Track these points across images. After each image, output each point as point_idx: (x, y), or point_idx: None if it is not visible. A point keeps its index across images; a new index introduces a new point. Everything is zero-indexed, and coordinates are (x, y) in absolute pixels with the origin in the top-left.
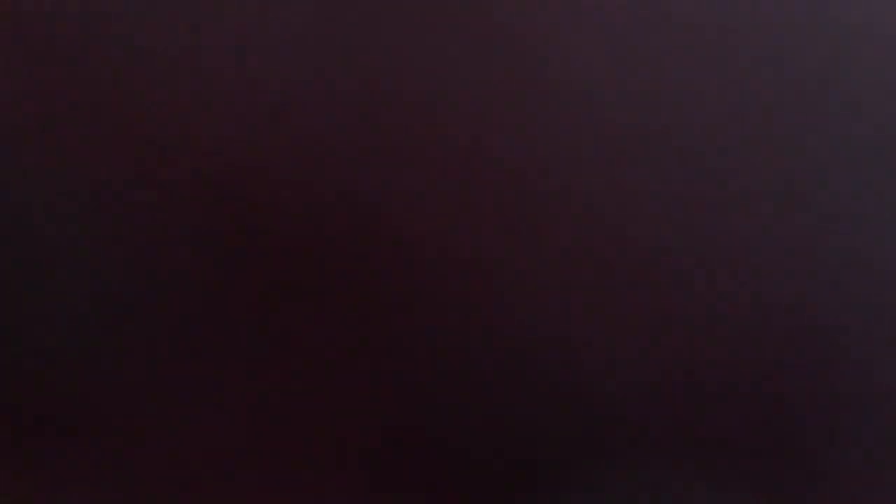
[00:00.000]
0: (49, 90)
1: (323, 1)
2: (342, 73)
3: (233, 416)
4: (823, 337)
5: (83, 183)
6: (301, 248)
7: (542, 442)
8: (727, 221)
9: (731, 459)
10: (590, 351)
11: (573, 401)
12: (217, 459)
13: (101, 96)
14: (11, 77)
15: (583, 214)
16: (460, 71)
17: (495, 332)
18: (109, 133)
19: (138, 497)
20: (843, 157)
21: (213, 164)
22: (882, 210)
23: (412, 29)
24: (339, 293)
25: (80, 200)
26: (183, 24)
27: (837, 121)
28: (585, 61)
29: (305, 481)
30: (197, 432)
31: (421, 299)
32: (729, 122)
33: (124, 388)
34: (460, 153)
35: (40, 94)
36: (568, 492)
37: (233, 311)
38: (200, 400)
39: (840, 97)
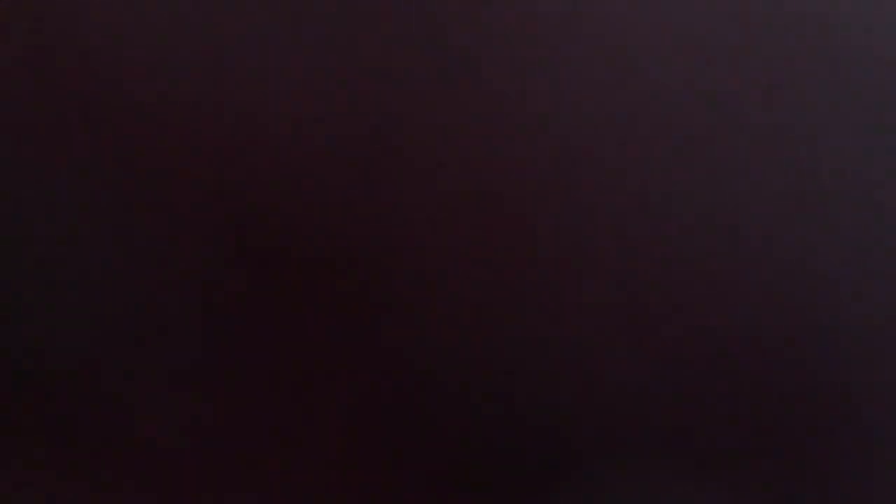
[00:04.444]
0: (52, 90)
1: (327, 4)
2: (347, 76)
3: (235, 418)
4: (826, 338)
5: (87, 185)
6: (305, 250)
7: (546, 442)
8: (728, 223)
9: (734, 461)
10: (592, 352)
11: (575, 402)
12: (218, 461)
13: (106, 98)
14: (13, 76)
15: (585, 216)
16: (463, 72)
17: (498, 333)
18: (113, 135)
19: (139, 497)
20: (845, 158)
21: (216, 167)
22: (883, 210)
23: (417, 32)
24: (345, 295)
25: (84, 202)
26: (191, 25)
27: (839, 121)
28: (586, 63)
29: (310, 481)
30: (199, 433)
31: (424, 301)
32: (732, 122)
33: (125, 389)
34: (462, 156)
35: (42, 95)
36: (571, 492)
37: (235, 312)
38: (203, 401)
39: (842, 97)
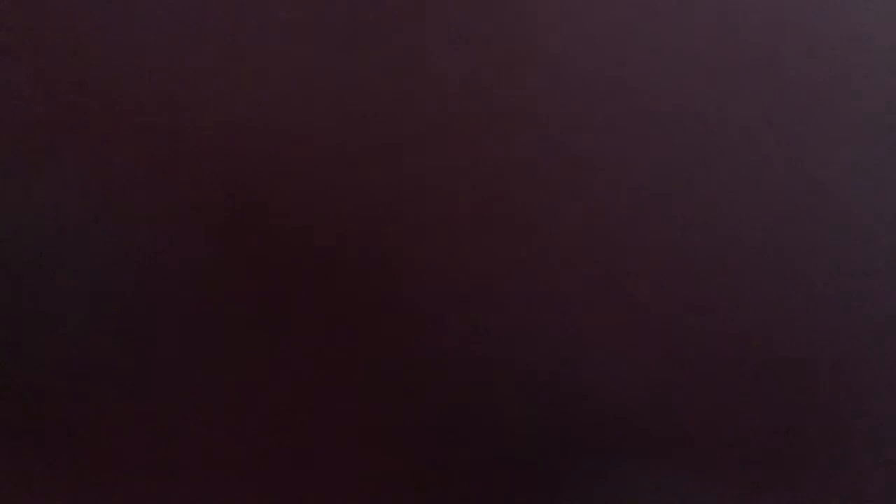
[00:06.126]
0: (54, 91)
1: (328, 5)
2: (348, 77)
3: (236, 420)
4: (828, 340)
5: (89, 186)
6: (308, 252)
7: (547, 444)
8: (732, 225)
9: (735, 462)
10: (594, 354)
11: (576, 403)
12: (219, 463)
13: (108, 98)
14: (16, 77)
15: (585, 218)
16: (462, 72)
17: (499, 336)
18: (115, 135)
19: (139, 498)
20: (844, 159)
21: (217, 167)
22: (884, 212)
23: (418, 34)
24: (345, 300)
25: (86, 203)
26: (194, 26)
27: (839, 122)
28: (584, 63)
29: (308, 484)
30: (199, 435)
31: (426, 301)
32: (732, 123)
33: (126, 390)
34: (465, 158)
35: (44, 95)
36: (571, 493)
37: (236, 313)
38: (203, 403)
39: (841, 99)
